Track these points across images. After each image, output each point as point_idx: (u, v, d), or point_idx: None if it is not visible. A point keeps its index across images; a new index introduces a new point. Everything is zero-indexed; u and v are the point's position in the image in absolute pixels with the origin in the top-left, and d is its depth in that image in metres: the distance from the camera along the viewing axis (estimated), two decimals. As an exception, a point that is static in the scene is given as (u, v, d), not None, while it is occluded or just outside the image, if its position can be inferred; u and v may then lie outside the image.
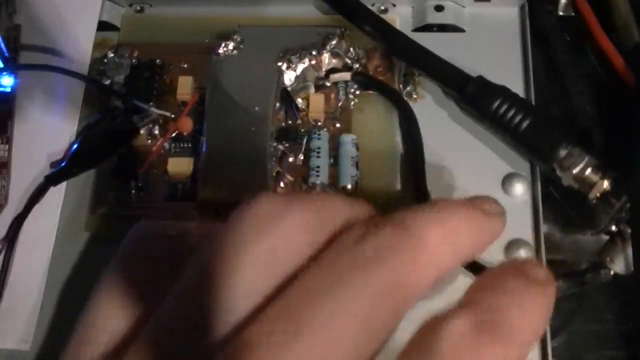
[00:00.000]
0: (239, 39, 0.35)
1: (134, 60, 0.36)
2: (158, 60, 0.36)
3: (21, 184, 0.34)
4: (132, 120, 0.34)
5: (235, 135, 0.33)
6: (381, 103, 0.35)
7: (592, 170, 0.30)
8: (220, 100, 0.34)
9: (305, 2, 0.37)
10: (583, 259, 0.32)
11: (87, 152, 0.33)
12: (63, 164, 0.32)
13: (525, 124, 0.31)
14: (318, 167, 0.33)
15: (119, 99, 0.35)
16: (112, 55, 0.37)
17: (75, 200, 0.34)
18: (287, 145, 0.34)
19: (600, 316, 0.32)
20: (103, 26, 0.38)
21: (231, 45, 0.34)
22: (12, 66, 0.35)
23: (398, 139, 0.34)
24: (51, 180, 0.32)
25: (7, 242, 0.31)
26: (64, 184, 0.34)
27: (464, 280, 0.31)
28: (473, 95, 0.33)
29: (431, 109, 0.35)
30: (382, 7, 0.37)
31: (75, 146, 0.33)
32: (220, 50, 0.34)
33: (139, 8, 0.38)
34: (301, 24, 0.37)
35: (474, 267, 0.28)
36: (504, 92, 0.32)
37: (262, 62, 0.34)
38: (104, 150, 0.33)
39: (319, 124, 0.34)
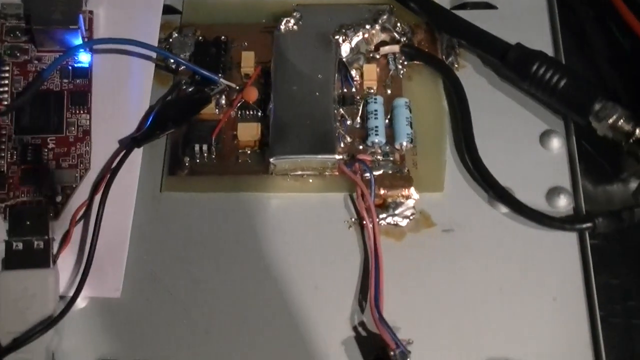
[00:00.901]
0: (298, 15, 0.38)
1: (200, 38, 0.39)
2: (223, 37, 0.39)
3: (101, 149, 0.37)
4: (204, 90, 0.37)
5: (301, 100, 0.36)
6: (427, 72, 0.39)
7: (625, 120, 0.34)
8: (285, 70, 0.37)
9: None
10: (614, 205, 0.36)
11: (167, 117, 0.36)
12: (147, 127, 0.35)
13: (562, 83, 0.36)
14: (376, 127, 0.36)
15: (189, 70, 0.38)
16: (176, 35, 0.40)
17: (151, 164, 0.37)
18: (344, 109, 0.37)
19: (618, 270, 0.35)
20: (166, 10, 0.41)
21: (292, 22, 0.38)
22: (92, 41, 0.38)
23: (444, 103, 0.38)
24: (137, 141, 0.35)
25: (99, 200, 0.34)
26: (141, 149, 0.37)
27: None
28: (514, 61, 0.37)
29: (472, 77, 0.39)
30: (422, -12, 0.41)
31: (155, 112, 0.36)
32: (282, 27, 0.38)
33: (198, -7, 0.42)
34: (352, 2, 0.40)
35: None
36: (542, 56, 0.36)
37: (320, 36, 0.38)
38: (180, 116, 0.37)
39: (372, 91, 0.38)
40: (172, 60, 0.39)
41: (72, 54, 0.37)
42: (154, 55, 0.38)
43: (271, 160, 0.35)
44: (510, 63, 0.37)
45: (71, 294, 0.34)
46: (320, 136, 0.35)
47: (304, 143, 0.35)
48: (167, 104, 0.37)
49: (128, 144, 0.35)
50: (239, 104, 0.38)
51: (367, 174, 0.35)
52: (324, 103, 0.36)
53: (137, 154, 0.36)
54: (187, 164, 0.37)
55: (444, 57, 0.39)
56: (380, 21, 0.38)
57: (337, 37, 0.38)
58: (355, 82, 0.38)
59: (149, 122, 0.36)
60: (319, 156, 0.35)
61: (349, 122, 0.37)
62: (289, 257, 0.35)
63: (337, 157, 0.35)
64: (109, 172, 0.35)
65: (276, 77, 0.37)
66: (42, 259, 0.34)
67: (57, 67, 0.37)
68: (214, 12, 0.41)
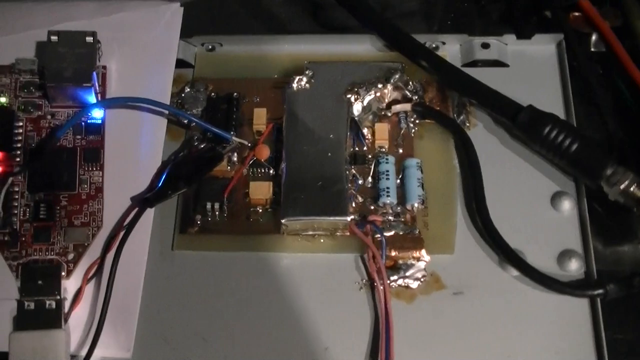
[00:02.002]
0: (310, 74, 0.38)
1: (212, 94, 0.40)
2: (235, 94, 0.40)
3: (113, 207, 0.37)
4: (217, 148, 0.37)
5: (313, 160, 0.36)
6: (438, 131, 0.39)
7: (637, 186, 0.34)
8: (297, 129, 0.37)
9: (362, 40, 0.42)
10: (625, 268, 0.36)
11: (178, 176, 0.36)
12: (158, 187, 0.36)
13: (574, 147, 0.36)
14: (388, 188, 0.36)
15: (201, 128, 0.38)
16: (188, 89, 0.40)
17: (163, 222, 0.37)
18: (356, 168, 0.38)
19: (623, 325, 0.35)
20: (178, 64, 0.41)
21: (304, 80, 0.38)
22: (106, 100, 0.38)
23: (456, 162, 0.38)
24: (149, 201, 0.35)
25: (112, 260, 0.34)
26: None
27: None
28: (526, 123, 0.37)
29: (483, 135, 0.39)
30: (434, 45, 0.41)
31: (167, 171, 0.36)
32: (294, 85, 0.38)
33: (210, 47, 0.42)
34: (363, 60, 0.40)
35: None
36: (553, 119, 0.36)
37: (333, 95, 0.38)
38: (192, 175, 0.37)
39: (383, 150, 0.38)
40: (184, 116, 0.39)
41: (86, 113, 0.37)
42: (166, 111, 0.39)
43: (283, 221, 0.35)
44: (522, 125, 0.37)
45: (81, 353, 0.34)
46: (332, 197, 0.35)
47: (316, 204, 0.35)
48: (179, 162, 0.37)
49: (140, 204, 0.35)
50: (250, 162, 0.38)
51: (378, 235, 0.35)
52: (336, 164, 0.36)
53: (149, 212, 0.36)
54: (198, 222, 0.37)
55: (455, 115, 0.39)
56: (392, 80, 0.38)
57: (349, 95, 0.38)
58: (366, 141, 0.38)
59: (161, 182, 0.36)
60: (331, 218, 0.35)
61: (360, 182, 0.37)
62: (300, 318, 0.35)
63: (349, 218, 0.35)
64: (122, 232, 0.35)
65: (288, 136, 0.37)
66: (54, 319, 0.34)
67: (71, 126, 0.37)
68: (226, 66, 0.42)
